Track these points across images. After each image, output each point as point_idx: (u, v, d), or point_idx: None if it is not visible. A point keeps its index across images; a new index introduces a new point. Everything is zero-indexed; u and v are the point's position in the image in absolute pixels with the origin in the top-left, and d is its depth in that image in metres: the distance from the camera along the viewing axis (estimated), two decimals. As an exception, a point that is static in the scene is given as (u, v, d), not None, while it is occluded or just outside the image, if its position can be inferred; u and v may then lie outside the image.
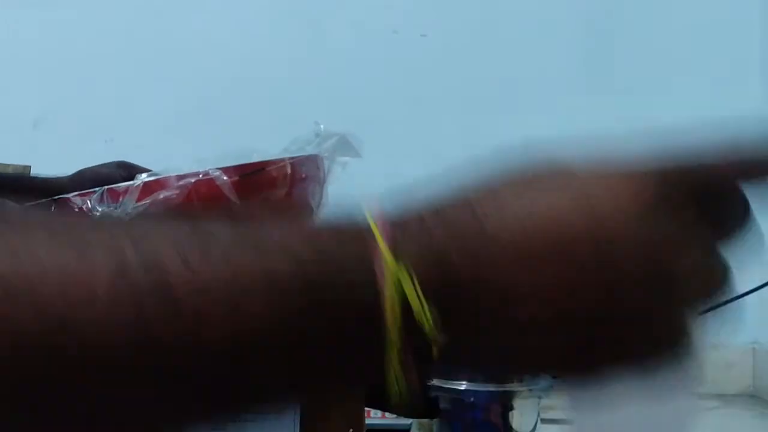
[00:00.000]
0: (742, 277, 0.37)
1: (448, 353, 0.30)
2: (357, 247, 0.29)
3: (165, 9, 1.51)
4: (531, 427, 0.90)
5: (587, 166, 0.32)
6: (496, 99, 1.52)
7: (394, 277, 0.29)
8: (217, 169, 0.58)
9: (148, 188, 0.57)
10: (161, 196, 0.56)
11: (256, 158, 0.67)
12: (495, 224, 0.30)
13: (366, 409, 0.58)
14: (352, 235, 0.30)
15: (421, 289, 0.29)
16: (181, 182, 0.57)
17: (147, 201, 0.56)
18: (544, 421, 1.00)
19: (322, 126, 0.68)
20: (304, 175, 0.65)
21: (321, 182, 0.67)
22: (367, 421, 0.58)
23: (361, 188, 0.33)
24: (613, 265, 0.30)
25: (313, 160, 0.66)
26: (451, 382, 0.88)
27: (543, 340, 0.31)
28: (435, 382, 0.88)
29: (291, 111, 1.36)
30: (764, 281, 1.31)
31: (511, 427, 0.88)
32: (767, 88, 1.49)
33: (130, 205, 0.55)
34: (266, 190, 0.61)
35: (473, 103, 1.52)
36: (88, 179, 0.67)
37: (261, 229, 0.30)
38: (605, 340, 0.31)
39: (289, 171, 0.63)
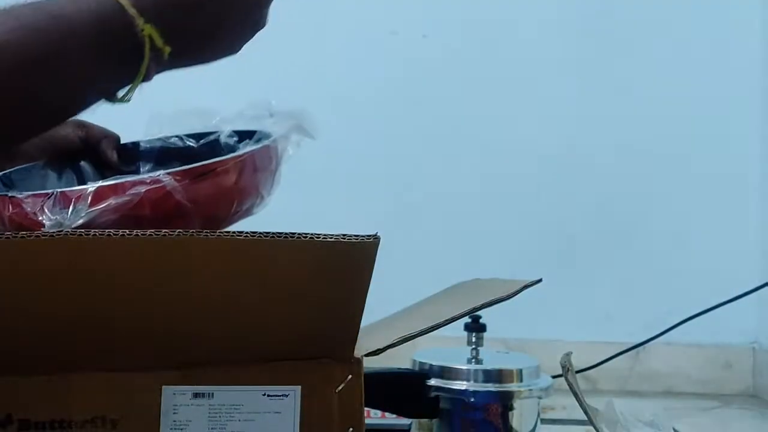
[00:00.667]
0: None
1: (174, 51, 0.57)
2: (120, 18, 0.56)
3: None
4: (531, 427, 0.90)
5: None
6: (496, 99, 1.52)
7: (146, 31, 0.55)
8: (167, 174, 0.58)
9: (99, 195, 0.57)
10: (113, 203, 0.57)
11: (215, 123, 0.71)
12: None
13: (366, 409, 0.58)
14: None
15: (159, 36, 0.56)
16: (133, 190, 0.57)
17: (99, 207, 0.56)
18: (544, 421, 1.00)
19: (273, 102, 0.69)
20: (256, 167, 0.65)
21: (273, 172, 0.68)
22: (367, 421, 0.58)
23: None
24: None
25: (266, 151, 0.66)
26: (451, 382, 0.88)
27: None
28: (435, 382, 0.88)
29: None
30: (764, 281, 1.32)
31: (511, 427, 0.88)
32: (767, 87, 1.49)
33: (83, 210, 0.55)
34: (216, 185, 0.61)
35: (473, 103, 1.52)
36: (45, 140, 0.70)
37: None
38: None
39: (241, 167, 0.63)
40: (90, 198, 0.56)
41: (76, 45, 0.55)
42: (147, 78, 0.58)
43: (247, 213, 0.66)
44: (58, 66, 0.55)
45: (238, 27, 0.62)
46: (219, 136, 0.71)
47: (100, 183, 0.58)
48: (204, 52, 0.62)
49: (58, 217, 0.55)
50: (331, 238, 0.52)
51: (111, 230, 0.49)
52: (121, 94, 0.60)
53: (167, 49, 0.57)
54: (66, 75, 0.56)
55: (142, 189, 0.57)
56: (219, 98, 0.74)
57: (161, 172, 0.58)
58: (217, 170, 0.61)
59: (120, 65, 0.57)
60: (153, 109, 0.69)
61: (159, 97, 0.62)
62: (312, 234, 0.52)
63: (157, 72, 0.60)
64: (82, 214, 0.55)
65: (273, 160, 0.67)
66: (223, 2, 0.60)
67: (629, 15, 1.53)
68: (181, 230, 0.50)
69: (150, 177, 0.58)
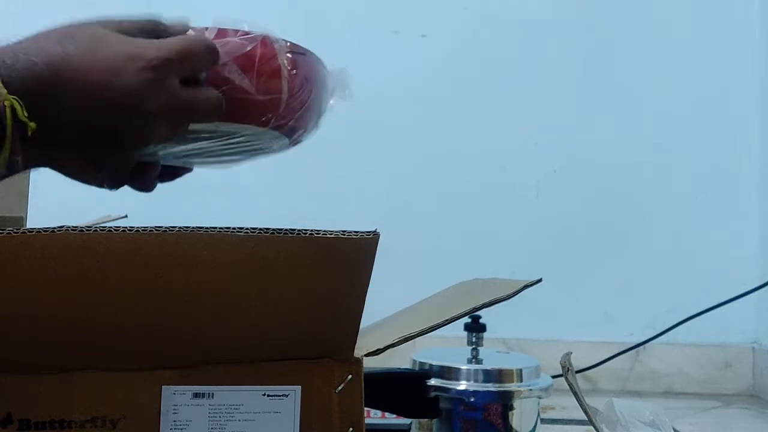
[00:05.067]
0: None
1: (41, 135, 0.52)
2: None
3: (165, 10, 1.50)
4: (531, 427, 0.90)
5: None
6: (496, 99, 1.52)
7: (8, 102, 0.51)
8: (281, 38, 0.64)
9: (221, 33, 0.63)
10: (232, 41, 0.62)
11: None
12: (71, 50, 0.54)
13: (366, 409, 0.58)
14: None
15: (19, 93, 0.51)
16: (249, 36, 0.63)
17: (222, 40, 0.62)
18: (544, 421, 1.00)
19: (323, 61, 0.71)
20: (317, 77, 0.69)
21: (321, 100, 0.71)
22: (367, 421, 0.58)
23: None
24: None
25: (324, 70, 0.71)
26: (451, 382, 0.88)
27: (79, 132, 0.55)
28: (435, 382, 0.88)
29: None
30: (764, 281, 1.32)
31: (511, 427, 0.88)
32: (766, 86, 1.49)
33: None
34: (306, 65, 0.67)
35: (473, 102, 1.52)
36: None
37: None
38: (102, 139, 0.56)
39: (315, 69, 0.69)
40: (214, 34, 0.63)
41: None
42: (14, 158, 0.53)
43: (294, 119, 0.67)
44: None
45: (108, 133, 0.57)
46: None
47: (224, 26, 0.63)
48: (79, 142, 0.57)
49: None
50: (330, 234, 0.52)
51: (110, 226, 0.49)
52: None
53: (32, 125, 0.52)
54: None
55: (259, 37, 0.63)
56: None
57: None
58: (307, 56, 0.67)
59: None
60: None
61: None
62: (311, 230, 0.52)
63: (32, 161, 0.56)
64: None
65: (326, 85, 0.71)
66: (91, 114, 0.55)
67: (629, 15, 1.53)
68: (180, 226, 0.50)
69: (267, 34, 0.64)
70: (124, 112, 0.55)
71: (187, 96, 0.58)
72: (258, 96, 0.62)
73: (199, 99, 0.59)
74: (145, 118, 0.56)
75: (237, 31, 0.63)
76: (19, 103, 0.52)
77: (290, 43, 0.65)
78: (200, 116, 0.60)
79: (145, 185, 0.68)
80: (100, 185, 0.64)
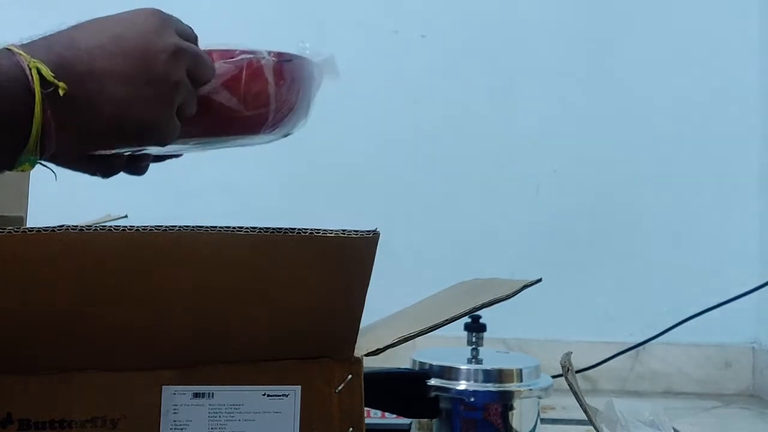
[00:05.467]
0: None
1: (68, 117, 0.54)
2: (8, 58, 0.53)
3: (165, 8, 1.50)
4: (531, 427, 0.90)
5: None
6: (495, 99, 1.52)
7: (32, 65, 0.52)
8: (267, 51, 0.65)
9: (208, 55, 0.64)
10: (221, 66, 0.64)
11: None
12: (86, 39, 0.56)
13: (366, 409, 0.58)
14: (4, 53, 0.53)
15: (48, 69, 0.53)
16: (238, 58, 0.65)
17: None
18: (544, 421, 1.00)
19: (307, 45, 0.72)
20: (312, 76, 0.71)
21: (309, 92, 0.72)
22: (367, 421, 0.58)
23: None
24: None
25: (309, 65, 0.72)
26: (451, 382, 0.88)
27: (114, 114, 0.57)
28: (435, 382, 0.88)
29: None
30: (764, 281, 1.32)
31: (511, 427, 0.88)
32: (766, 85, 1.49)
33: None
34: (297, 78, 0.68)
35: (473, 102, 1.52)
36: None
37: None
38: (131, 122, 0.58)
39: (302, 72, 0.69)
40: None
41: None
42: (47, 140, 0.54)
43: (283, 122, 0.68)
44: None
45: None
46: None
47: (212, 48, 0.65)
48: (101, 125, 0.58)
49: None
50: (330, 233, 0.52)
51: (110, 226, 0.49)
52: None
53: (62, 85, 0.53)
54: None
55: (245, 61, 0.64)
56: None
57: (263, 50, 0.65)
58: (293, 62, 0.68)
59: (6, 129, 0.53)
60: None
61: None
62: (312, 229, 0.52)
63: (59, 150, 0.56)
64: None
65: (314, 79, 0.72)
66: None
67: (629, 15, 1.53)
68: (180, 225, 0.50)
69: (253, 55, 0.65)
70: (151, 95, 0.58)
71: (191, 89, 0.61)
72: (246, 112, 0.65)
73: (193, 96, 0.62)
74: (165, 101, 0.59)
75: (223, 51, 0.65)
76: (44, 65, 0.53)
77: (275, 53, 0.67)
78: (188, 112, 0.63)
79: (137, 171, 0.69)
80: (93, 173, 0.65)
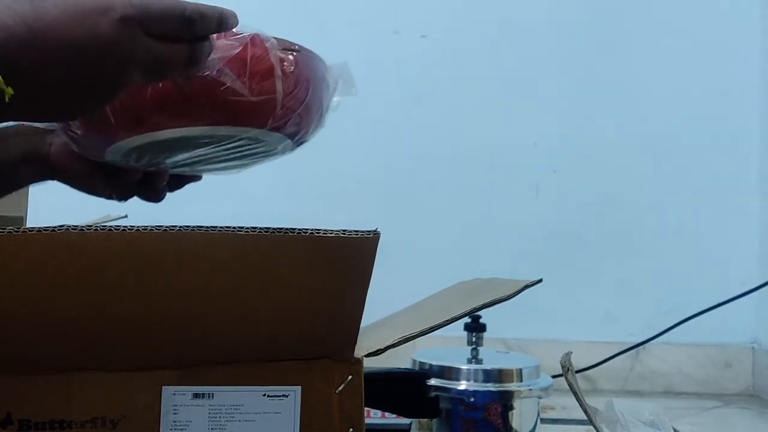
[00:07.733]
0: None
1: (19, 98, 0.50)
2: None
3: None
4: (531, 427, 0.90)
5: None
6: (495, 98, 1.52)
7: None
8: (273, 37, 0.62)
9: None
10: (222, 43, 0.61)
11: None
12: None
13: (366, 409, 0.58)
14: None
15: None
16: (239, 36, 0.62)
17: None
18: (544, 421, 1.00)
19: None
20: (321, 76, 0.68)
21: (322, 101, 0.70)
22: (367, 421, 0.58)
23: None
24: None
25: (324, 68, 0.70)
26: (451, 382, 0.88)
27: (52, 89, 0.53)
28: (435, 382, 0.88)
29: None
30: (764, 281, 1.32)
31: (511, 427, 0.88)
32: (766, 85, 1.49)
33: None
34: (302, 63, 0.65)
35: (473, 102, 1.52)
36: None
37: None
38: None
39: (311, 65, 0.67)
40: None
41: None
42: None
43: (293, 119, 0.66)
44: None
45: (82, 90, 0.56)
46: None
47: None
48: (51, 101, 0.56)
49: None
50: (331, 233, 0.52)
51: (110, 226, 0.49)
52: None
53: (9, 91, 0.50)
54: None
55: (248, 36, 0.62)
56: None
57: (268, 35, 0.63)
58: (300, 51, 0.65)
59: None
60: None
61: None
62: (312, 230, 0.51)
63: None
64: None
65: (325, 81, 0.70)
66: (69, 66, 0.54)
67: (629, 15, 1.53)
68: (180, 225, 0.50)
69: (257, 33, 0.63)
70: (100, 61, 0.54)
71: (158, 50, 0.57)
72: (252, 98, 0.62)
73: (172, 53, 0.58)
74: (117, 68, 0.55)
75: (226, 34, 0.62)
76: None
77: (281, 40, 0.64)
78: (172, 70, 0.59)
79: (153, 195, 0.68)
80: (109, 196, 0.64)
